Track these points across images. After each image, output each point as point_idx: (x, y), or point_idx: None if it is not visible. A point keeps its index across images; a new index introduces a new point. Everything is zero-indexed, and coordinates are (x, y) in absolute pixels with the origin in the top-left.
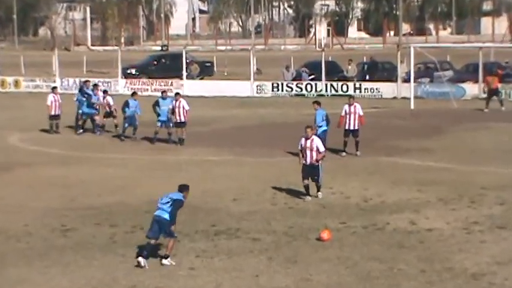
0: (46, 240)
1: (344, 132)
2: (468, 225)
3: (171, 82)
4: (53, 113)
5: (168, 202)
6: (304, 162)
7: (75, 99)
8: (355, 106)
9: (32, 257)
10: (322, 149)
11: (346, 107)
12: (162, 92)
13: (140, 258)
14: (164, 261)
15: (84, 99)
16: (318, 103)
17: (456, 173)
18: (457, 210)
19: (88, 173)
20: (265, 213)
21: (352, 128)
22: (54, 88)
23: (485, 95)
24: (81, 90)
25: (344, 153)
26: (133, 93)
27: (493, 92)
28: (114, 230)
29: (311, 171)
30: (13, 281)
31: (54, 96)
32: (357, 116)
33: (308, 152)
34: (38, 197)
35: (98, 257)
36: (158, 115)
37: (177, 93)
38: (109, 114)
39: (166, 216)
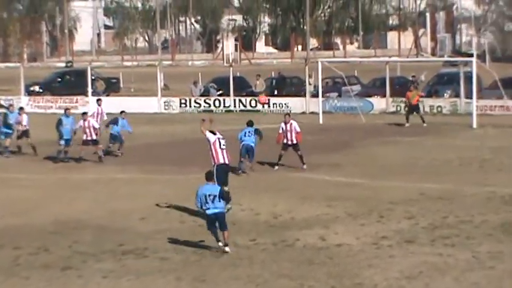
0: None
1: (282, 146)
2: (377, 240)
3: (76, 99)
4: None
5: (215, 197)
6: (285, 141)
7: None
8: (291, 124)
9: None
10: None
11: (283, 124)
12: (65, 110)
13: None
14: (226, 248)
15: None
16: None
17: (365, 188)
18: (366, 225)
19: None
20: (174, 231)
21: (290, 142)
22: None
23: (404, 111)
24: None
25: (277, 167)
26: (122, 112)
27: (413, 108)
28: (17, 253)
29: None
30: None
31: None
32: (293, 133)
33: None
34: None
35: (0, 281)
36: (61, 134)
37: (84, 113)
38: (22, 135)
39: (220, 209)
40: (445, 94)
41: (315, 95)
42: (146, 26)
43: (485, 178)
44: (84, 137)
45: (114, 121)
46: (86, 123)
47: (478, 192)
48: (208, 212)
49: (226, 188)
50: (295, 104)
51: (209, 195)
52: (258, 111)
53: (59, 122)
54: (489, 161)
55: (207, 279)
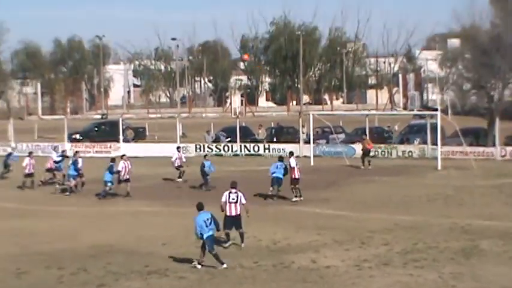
0: (2, 282)
1: (291, 181)
2: (359, 262)
3: (110, 145)
4: (27, 171)
5: (211, 221)
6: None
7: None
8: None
9: None
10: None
11: (292, 160)
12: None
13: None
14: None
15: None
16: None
17: (349, 219)
18: (350, 250)
19: (39, 224)
20: (190, 255)
21: (297, 177)
22: (30, 153)
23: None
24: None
25: (296, 199)
26: (205, 156)
27: (367, 152)
28: (61, 272)
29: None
30: None
31: (29, 160)
32: (296, 169)
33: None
34: None
35: None
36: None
37: (123, 155)
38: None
39: (213, 231)
40: (415, 141)
41: (307, 141)
42: (168, 85)
43: (448, 211)
44: (121, 177)
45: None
46: (125, 164)
47: (442, 223)
48: (208, 234)
49: (227, 231)
50: (290, 148)
51: (207, 219)
52: (260, 155)
53: (110, 168)
54: (452, 197)
55: None
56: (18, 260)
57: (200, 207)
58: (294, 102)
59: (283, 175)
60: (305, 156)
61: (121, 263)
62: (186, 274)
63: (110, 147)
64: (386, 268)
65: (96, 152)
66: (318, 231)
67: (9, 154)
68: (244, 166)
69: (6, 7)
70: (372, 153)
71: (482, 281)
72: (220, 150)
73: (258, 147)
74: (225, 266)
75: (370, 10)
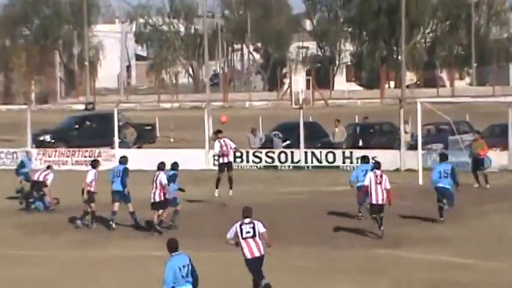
0: None
1: (370, 207)
2: None
3: (99, 152)
4: None
5: (189, 269)
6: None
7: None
8: (381, 176)
9: None
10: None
11: (372, 175)
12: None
13: None
14: None
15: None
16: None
17: (478, 271)
18: None
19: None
20: None
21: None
22: None
23: None
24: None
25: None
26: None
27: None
28: None
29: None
30: None
31: None
32: (383, 190)
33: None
34: None
35: None
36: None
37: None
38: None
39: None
40: None
41: (412, 146)
42: (190, 56)
43: None
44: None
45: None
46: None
47: None
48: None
49: (265, 281)
50: (385, 158)
51: (183, 267)
52: (337, 167)
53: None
54: None
55: None
56: None
57: (173, 247)
58: (391, 84)
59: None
60: (409, 170)
61: None
62: None
63: (99, 155)
64: None
65: (77, 162)
66: None
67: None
68: (312, 185)
69: None
70: (486, 164)
71: None
72: (273, 160)
73: (334, 155)
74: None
75: None
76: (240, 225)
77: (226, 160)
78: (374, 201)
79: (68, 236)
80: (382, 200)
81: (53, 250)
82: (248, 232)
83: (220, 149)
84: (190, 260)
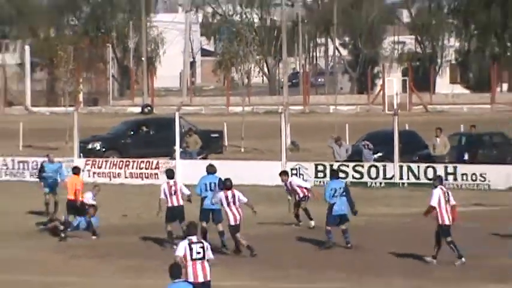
0: None
1: (441, 230)
2: None
3: (157, 163)
4: None
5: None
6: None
7: None
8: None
9: None
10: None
11: (441, 194)
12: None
13: None
14: None
15: None
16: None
17: None
18: None
19: None
20: None
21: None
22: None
23: None
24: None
25: (433, 260)
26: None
27: None
28: None
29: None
30: None
31: None
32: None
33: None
34: None
35: None
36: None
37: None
38: None
39: None
40: None
41: None
42: (266, 52)
43: None
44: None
45: None
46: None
47: None
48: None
49: None
50: (497, 175)
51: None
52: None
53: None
54: None
55: None
56: None
57: (175, 274)
58: (504, 87)
59: None
60: None
61: None
62: None
63: (157, 166)
64: None
65: (131, 175)
66: None
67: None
68: (409, 206)
69: None
70: None
71: None
72: (362, 176)
73: (435, 170)
74: None
75: None
76: (189, 244)
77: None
78: (447, 222)
79: (117, 261)
80: (453, 219)
81: (100, 277)
82: (198, 253)
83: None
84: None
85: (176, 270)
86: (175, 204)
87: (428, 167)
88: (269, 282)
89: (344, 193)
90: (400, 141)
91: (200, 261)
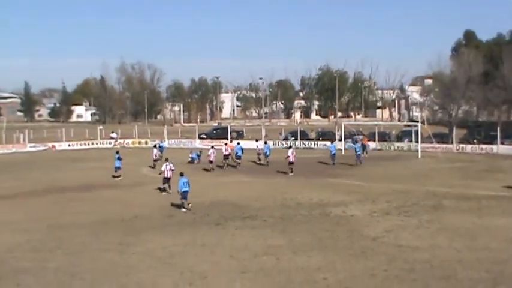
0: (157, 220)
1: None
2: (371, 213)
3: (224, 142)
4: (211, 159)
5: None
6: None
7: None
8: None
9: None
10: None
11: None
12: (211, 147)
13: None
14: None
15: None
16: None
17: (365, 187)
18: (365, 205)
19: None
20: (272, 207)
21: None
22: (212, 146)
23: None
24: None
25: (291, 174)
26: (238, 143)
27: (364, 146)
28: (194, 216)
29: None
30: None
31: (212, 151)
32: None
33: None
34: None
35: (186, 229)
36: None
37: (225, 143)
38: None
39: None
40: (405, 140)
41: (340, 139)
42: (257, 105)
43: (424, 183)
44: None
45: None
46: (212, 151)
47: (421, 189)
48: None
49: None
50: (333, 144)
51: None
52: (311, 148)
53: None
54: (426, 174)
55: (287, 230)
56: (169, 208)
57: (180, 174)
58: (332, 116)
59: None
60: (339, 149)
61: (229, 211)
62: (267, 218)
63: (225, 143)
64: (387, 216)
65: (215, 145)
66: (346, 194)
67: (158, 146)
68: (300, 154)
69: (161, 58)
70: (369, 147)
71: (444, 223)
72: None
73: (311, 143)
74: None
75: (378, 61)
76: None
77: (212, 159)
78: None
79: None
80: None
81: None
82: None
83: (212, 153)
84: None
85: (182, 173)
86: None
87: (309, 142)
88: (257, 178)
89: None
90: (299, 133)
91: None
